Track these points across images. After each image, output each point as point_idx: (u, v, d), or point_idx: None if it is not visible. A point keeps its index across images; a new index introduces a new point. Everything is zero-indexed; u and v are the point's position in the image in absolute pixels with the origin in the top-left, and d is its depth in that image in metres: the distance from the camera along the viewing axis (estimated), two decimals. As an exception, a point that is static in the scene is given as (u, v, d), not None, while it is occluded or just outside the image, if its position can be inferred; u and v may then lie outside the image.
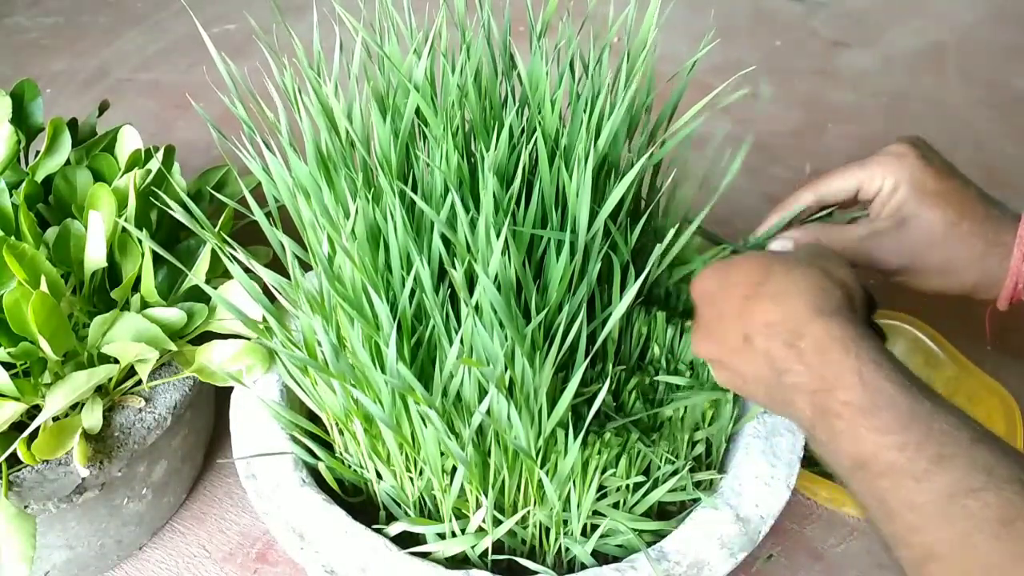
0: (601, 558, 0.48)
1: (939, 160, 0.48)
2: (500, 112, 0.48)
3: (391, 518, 0.51)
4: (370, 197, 0.44)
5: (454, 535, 0.47)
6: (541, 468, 0.44)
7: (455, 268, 0.41)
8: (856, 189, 0.49)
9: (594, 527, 0.47)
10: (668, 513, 0.51)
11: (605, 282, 0.49)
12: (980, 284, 0.47)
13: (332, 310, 0.47)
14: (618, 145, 0.49)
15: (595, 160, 0.45)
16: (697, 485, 0.50)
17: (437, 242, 0.44)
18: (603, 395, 0.43)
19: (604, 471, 0.46)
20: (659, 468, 0.49)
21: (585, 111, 0.46)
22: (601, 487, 0.47)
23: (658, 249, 0.47)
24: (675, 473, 0.49)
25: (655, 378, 0.50)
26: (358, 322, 0.44)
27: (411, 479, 0.49)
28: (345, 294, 0.44)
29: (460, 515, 0.48)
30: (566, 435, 0.44)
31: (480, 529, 0.47)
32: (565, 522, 0.47)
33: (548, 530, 0.47)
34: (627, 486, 0.48)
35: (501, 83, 0.51)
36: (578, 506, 0.46)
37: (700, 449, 0.51)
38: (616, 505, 0.48)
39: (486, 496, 0.45)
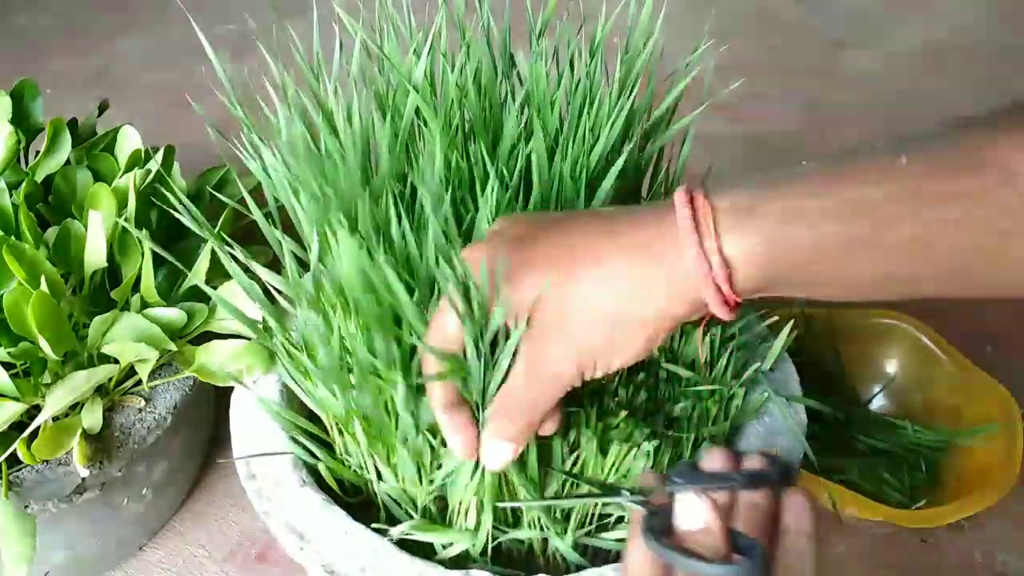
0: (602, 555, 0.48)
1: (513, 228, 0.39)
2: (500, 112, 0.48)
3: (391, 518, 0.51)
4: (369, 197, 0.44)
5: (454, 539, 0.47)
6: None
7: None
8: (564, 390, 0.38)
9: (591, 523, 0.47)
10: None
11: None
12: (676, 310, 0.36)
13: (332, 308, 0.47)
14: (617, 145, 0.49)
15: (596, 157, 0.45)
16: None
17: (436, 242, 0.44)
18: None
19: (607, 469, 0.46)
20: (663, 469, 0.49)
21: (586, 112, 0.46)
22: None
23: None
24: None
25: (662, 366, 0.50)
26: (360, 327, 0.44)
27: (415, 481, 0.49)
28: (344, 293, 0.44)
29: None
30: (565, 434, 0.44)
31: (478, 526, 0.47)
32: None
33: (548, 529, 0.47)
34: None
35: (501, 83, 0.51)
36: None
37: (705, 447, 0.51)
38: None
39: (487, 495, 0.45)
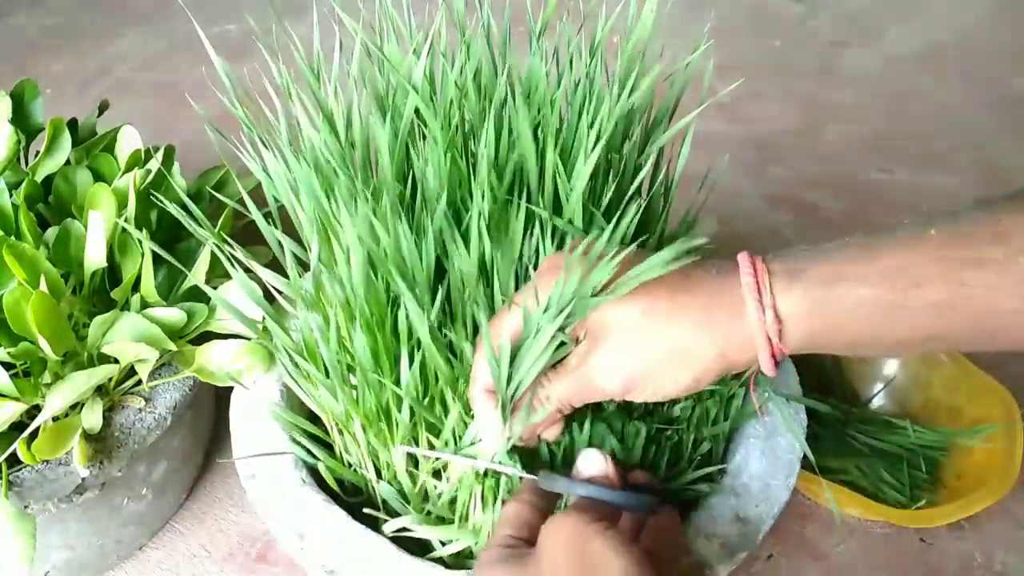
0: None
1: None
2: (500, 112, 0.48)
3: (392, 517, 0.51)
4: (369, 197, 0.44)
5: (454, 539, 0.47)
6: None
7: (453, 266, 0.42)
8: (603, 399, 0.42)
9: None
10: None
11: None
12: (729, 354, 0.39)
13: (331, 308, 0.47)
14: (617, 145, 0.49)
15: (595, 154, 0.44)
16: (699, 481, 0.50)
17: (430, 253, 0.44)
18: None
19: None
20: (661, 469, 0.49)
21: (586, 112, 0.45)
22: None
23: (652, 244, 0.47)
24: (680, 474, 0.49)
25: None
26: (363, 329, 0.44)
27: (418, 477, 0.49)
28: (345, 294, 0.44)
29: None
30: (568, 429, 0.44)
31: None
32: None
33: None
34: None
35: (501, 83, 0.51)
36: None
37: (705, 448, 0.51)
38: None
39: (489, 494, 0.46)
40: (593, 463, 0.43)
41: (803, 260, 0.38)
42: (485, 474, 0.45)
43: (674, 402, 0.51)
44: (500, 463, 0.44)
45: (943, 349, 0.38)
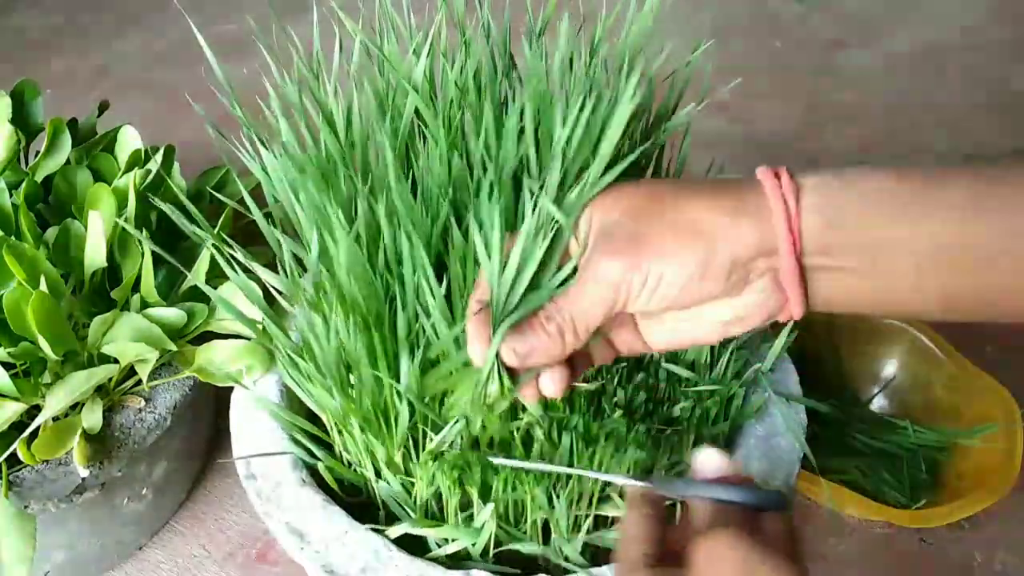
0: (602, 553, 0.48)
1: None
2: (500, 111, 0.48)
3: (391, 518, 0.51)
4: (369, 197, 0.44)
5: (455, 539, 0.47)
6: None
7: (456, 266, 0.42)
8: (609, 307, 0.37)
9: (594, 522, 0.47)
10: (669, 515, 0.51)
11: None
12: (741, 225, 0.36)
13: (330, 308, 0.47)
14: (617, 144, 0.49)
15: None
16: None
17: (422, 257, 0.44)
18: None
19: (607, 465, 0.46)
20: (662, 469, 0.49)
21: (586, 110, 0.45)
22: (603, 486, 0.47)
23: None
24: (680, 475, 0.49)
25: (662, 366, 0.50)
26: (361, 329, 0.44)
27: (415, 481, 0.49)
28: (344, 294, 0.44)
29: (462, 508, 0.48)
30: (570, 429, 0.44)
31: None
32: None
33: (549, 527, 0.47)
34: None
35: (501, 83, 0.51)
36: (578, 502, 0.46)
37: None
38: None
39: (488, 496, 0.45)
40: (713, 461, 0.38)
41: (823, 174, 0.36)
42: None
43: (674, 402, 0.51)
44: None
45: (961, 290, 0.34)
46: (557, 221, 0.39)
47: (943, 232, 0.33)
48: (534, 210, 0.39)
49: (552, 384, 0.39)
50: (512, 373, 0.40)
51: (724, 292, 0.36)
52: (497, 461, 0.44)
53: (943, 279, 0.34)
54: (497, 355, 0.38)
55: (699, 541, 0.34)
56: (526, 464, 0.44)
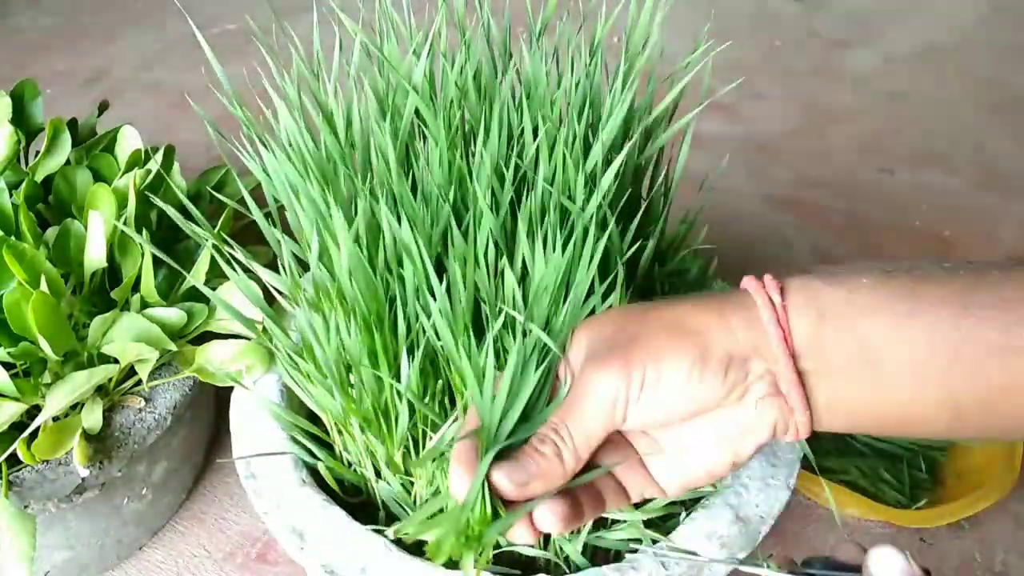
0: (602, 554, 0.48)
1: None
2: (501, 112, 0.48)
3: (391, 518, 0.51)
4: (369, 197, 0.44)
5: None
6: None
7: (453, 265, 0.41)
8: (609, 419, 0.35)
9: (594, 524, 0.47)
10: (669, 514, 0.51)
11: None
12: (729, 317, 0.35)
13: (330, 308, 0.47)
14: (617, 144, 0.49)
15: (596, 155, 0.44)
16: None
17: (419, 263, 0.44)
18: None
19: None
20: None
21: (587, 110, 0.45)
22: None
23: (652, 243, 0.47)
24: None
25: None
26: (361, 330, 0.44)
27: (413, 482, 0.49)
28: (345, 294, 0.44)
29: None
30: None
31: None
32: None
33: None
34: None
35: (501, 83, 0.51)
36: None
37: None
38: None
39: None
40: (894, 565, 0.33)
41: (808, 278, 0.35)
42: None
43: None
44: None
45: (962, 396, 0.33)
46: (547, 347, 0.38)
47: (936, 329, 0.32)
48: (524, 338, 0.38)
49: (552, 516, 0.34)
50: (506, 506, 0.35)
51: (725, 394, 0.34)
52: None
53: (941, 383, 0.33)
54: (488, 487, 0.34)
55: None
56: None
